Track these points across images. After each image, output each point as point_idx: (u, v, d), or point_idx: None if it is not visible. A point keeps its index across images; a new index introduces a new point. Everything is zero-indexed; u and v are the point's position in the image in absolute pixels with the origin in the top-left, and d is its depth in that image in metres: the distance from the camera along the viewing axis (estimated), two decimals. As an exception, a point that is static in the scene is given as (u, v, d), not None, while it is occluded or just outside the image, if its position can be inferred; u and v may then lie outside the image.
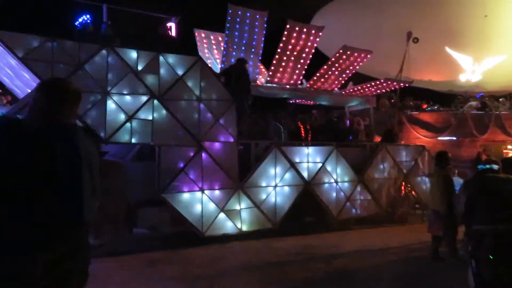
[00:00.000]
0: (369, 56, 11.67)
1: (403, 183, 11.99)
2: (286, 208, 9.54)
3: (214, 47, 11.64)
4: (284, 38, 10.27)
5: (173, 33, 10.27)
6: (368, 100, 12.97)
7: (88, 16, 7.78)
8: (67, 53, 7.36)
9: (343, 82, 12.41)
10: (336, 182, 10.38)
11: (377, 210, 11.14)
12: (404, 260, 7.50)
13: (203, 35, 11.64)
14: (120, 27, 8.56)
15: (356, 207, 10.79)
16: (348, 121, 12.96)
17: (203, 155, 8.58)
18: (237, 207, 8.96)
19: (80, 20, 7.75)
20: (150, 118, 8.08)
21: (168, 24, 10.11)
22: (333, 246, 8.44)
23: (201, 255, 7.58)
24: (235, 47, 10.07)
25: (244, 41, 10.14)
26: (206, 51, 11.55)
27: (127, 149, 9.03)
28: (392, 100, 16.87)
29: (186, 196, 8.38)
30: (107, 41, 7.88)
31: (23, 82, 7.74)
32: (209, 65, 10.96)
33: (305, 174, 9.87)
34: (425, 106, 17.52)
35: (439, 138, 16.21)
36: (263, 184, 9.33)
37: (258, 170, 9.27)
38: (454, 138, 16.23)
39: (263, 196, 9.30)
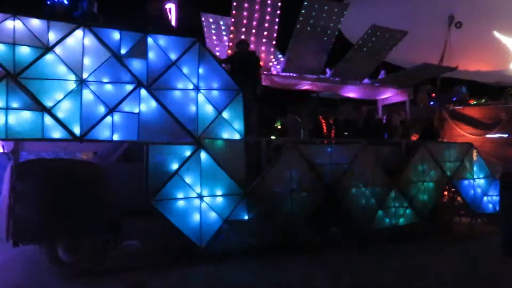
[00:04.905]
0: (404, 37, 9.94)
1: (447, 187, 10.21)
2: (304, 218, 8.02)
3: (224, 33, 10.26)
4: (301, 18, 8.73)
5: (173, 16, 8.96)
6: (404, 91, 11.23)
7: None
8: (33, 33, 6.18)
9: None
10: (366, 186, 8.74)
11: (416, 219, 9.40)
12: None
13: (211, 20, 10.30)
14: (111, 10, 7.35)
15: (390, 216, 9.10)
16: (385, 117, 11.25)
17: (202, 154, 7.20)
18: (244, 217, 7.52)
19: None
20: (136, 111, 6.78)
21: (167, 6, 8.80)
22: (354, 269, 6.82)
23: (196, 278, 6.20)
24: (243, 30, 8.64)
25: (254, 23, 8.70)
26: (214, 37, 10.19)
27: (118, 149, 7.82)
28: (432, 95, 14.99)
29: (181, 204, 7.00)
30: (87, 19, 6.66)
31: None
32: (217, 53, 9.64)
33: (327, 178, 8.30)
34: (471, 101, 15.45)
35: (488, 135, 14.17)
36: (277, 189, 7.84)
37: (270, 172, 7.80)
38: (505, 136, 14.15)
39: (277, 204, 7.81)
